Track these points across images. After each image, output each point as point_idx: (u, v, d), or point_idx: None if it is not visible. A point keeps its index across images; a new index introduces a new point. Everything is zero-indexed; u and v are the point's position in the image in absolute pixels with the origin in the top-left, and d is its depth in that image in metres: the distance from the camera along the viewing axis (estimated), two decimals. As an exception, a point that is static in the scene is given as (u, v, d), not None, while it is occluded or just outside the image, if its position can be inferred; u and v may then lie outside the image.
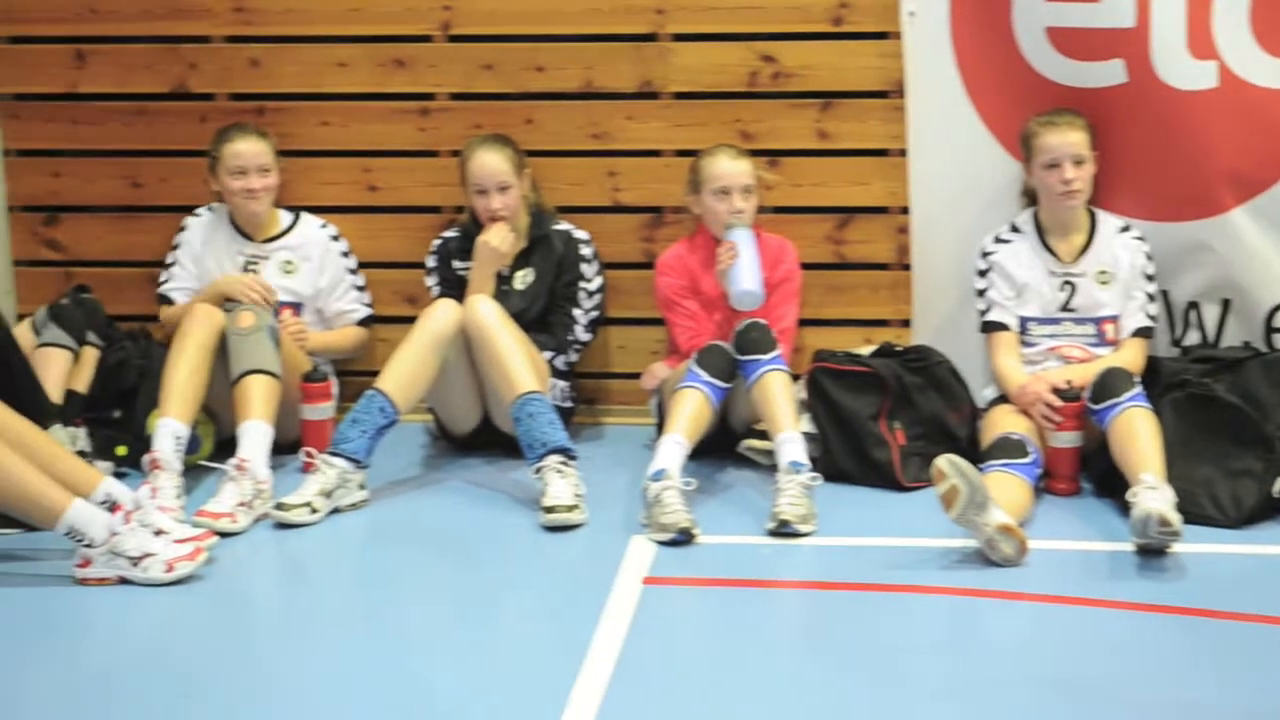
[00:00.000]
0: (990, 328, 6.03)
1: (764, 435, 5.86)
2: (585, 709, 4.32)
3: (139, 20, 6.55)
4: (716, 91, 6.43)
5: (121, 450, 5.93)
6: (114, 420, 6.08)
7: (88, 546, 5.05)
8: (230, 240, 6.35)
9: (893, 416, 5.92)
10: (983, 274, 6.05)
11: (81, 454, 5.62)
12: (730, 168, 6.10)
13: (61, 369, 5.99)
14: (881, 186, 6.41)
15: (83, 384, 6.05)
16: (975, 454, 5.60)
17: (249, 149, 6.24)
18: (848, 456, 5.88)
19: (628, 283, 6.48)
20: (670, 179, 6.41)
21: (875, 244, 6.46)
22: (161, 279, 6.38)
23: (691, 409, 5.70)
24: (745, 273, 5.89)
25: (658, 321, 6.37)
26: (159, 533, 5.15)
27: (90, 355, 6.11)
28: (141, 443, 5.78)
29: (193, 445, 5.83)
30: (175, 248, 6.39)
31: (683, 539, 5.35)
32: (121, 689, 4.53)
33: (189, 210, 6.42)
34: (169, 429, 5.67)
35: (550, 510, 5.51)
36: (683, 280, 6.18)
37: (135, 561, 5.05)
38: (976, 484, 5.13)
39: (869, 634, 4.79)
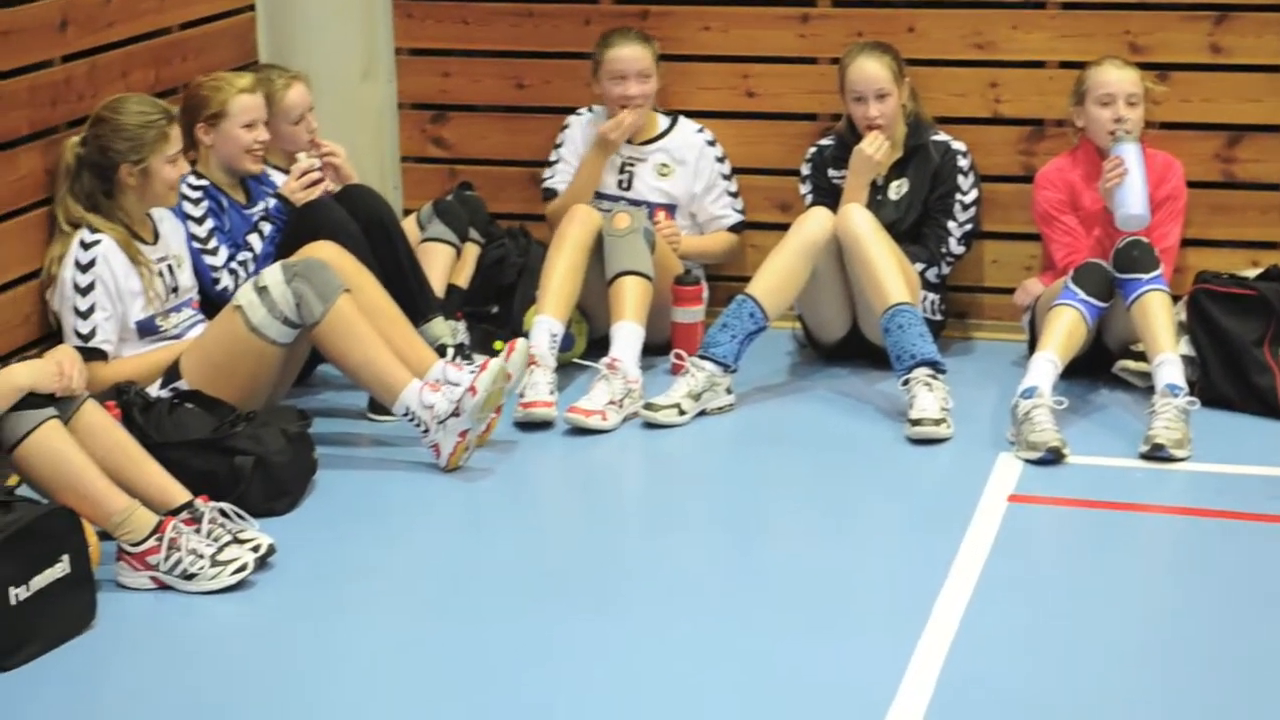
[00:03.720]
0: (1387, 254, 5.78)
1: (1140, 356, 5.72)
2: (947, 623, 4.32)
3: (528, -78, 6.67)
4: (1106, 2, 6.25)
5: (499, 345, 6.04)
6: (492, 315, 6.24)
7: (420, 429, 5.21)
8: (610, 143, 6.44)
9: (1277, 342, 5.72)
10: (1382, 198, 5.80)
11: (461, 347, 5.79)
12: (1116, 75, 5.93)
13: (444, 263, 6.17)
14: (1277, 103, 6.16)
15: (464, 279, 6.23)
16: (1365, 385, 5.40)
17: (630, 54, 6.29)
18: (1227, 381, 5.71)
19: (1005, 196, 6.37)
20: (1053, 91, 6.26)
21: (1267, 163, 6.22)
22: (546, 175, 6.48)
23: (1066, 327, 5.60)
24: (1133, 195, 5.73)
25: (1034, 236, 6.25)
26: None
27: (472, 251, 6.28)
28: (518, 338, 5.92)
29: (567, 343, 5.95)
30: (559, 145, 6.50)
31: (1051, 458, 5.28)
32: (486, 579, 4.68)
33: (570, 112, 6.52)
34: (545, 326, 5.80)
35: (917, 423, 5.48)
36: (1062, 195, 6.04)
37: (454, 411, 5.18)
38: (1365, 416, 4.95)
39: (1243, 565, 4.67)
